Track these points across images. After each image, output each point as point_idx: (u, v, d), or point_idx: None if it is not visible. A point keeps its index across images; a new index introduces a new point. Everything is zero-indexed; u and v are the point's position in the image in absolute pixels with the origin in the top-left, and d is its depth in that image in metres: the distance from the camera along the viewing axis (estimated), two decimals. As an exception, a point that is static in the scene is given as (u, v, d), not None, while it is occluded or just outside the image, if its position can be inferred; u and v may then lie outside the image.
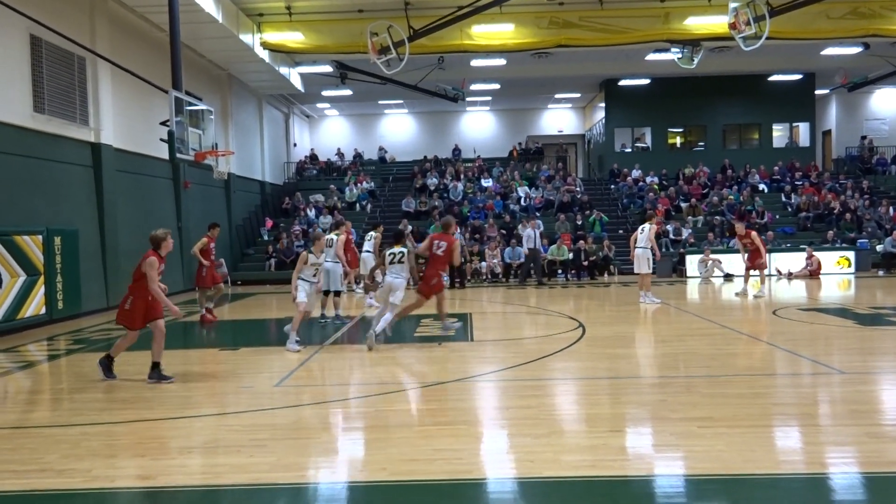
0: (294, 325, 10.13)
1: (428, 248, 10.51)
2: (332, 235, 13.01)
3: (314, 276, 10.28)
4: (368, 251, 15.64)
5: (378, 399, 7.19)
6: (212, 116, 15.24)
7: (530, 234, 20.75)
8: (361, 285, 17.41)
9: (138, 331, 8.07)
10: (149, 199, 18.48)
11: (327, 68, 25.07)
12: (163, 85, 14.34)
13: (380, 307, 10.60)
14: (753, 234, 15.98)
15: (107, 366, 8.29)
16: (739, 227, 16.34)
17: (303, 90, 27.13)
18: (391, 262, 10.22)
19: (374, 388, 7.78)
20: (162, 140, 13.36)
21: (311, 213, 26.27)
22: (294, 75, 25.48)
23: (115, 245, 16.45)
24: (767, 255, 16.68)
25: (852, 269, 21.88)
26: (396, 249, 10.32)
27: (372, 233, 15.74)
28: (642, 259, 14.62)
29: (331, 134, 36.44)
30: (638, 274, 15.06)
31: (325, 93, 29.74)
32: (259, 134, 27.85)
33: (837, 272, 21.72)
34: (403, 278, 10.18)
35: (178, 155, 13.20)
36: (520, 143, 34.38)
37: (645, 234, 14.60)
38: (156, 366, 8.04)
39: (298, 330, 10.17)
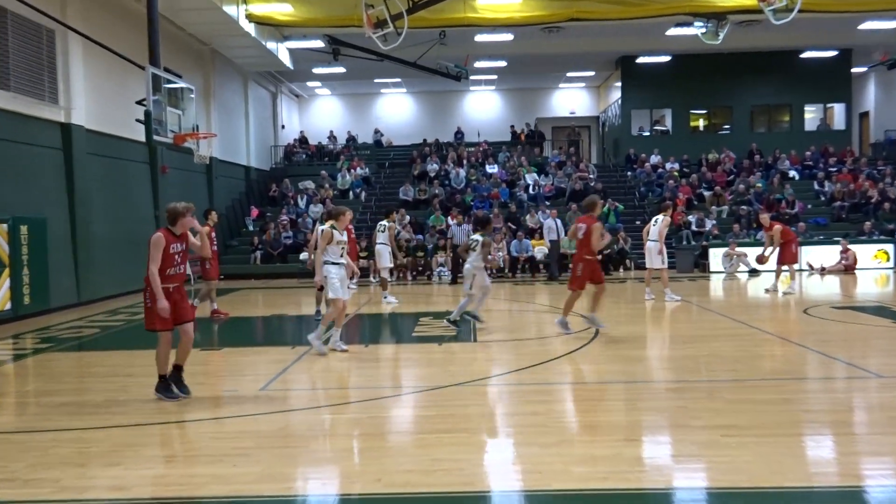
0: (337, 322, 9.70)
1: (574, 233, 10.73)
2: (326, 226, 12.93)
3: (341, 256, 9.74)
4: (383, 243, 15.48)
5: (372, 404, 7.18)
6: (192, 95, 15.20)
7: (551, 224, 20.70)
8: (378, 280, 17.40)
9: (170, 331, 7.18)
10: (123, 185, 18.48)
11: (319, 43, 25.00)
12: (139, 61, 14.30)
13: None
14: (777, 227, 15.96)
15: (166, 386, 7.32)
16: (764, 219, 16.34)
17: (292, 67, 27.08)
18: (471, 249, 11.12)
19: (368, 392, 7.78)
20: (138, 121, 13.34)
21: (301, 201, 26.25)
22: (282, 51, 25.42)
23: (86, 235, 16.45)
24: (798, 248, 16.66)
25: (891, 264, 21.85)
26: (475, 237, 11.16)
27: (384, 222, 15.58)
28: (653, 253, 14.57)
29: (322, 115, 36.40)
30: (648, 269, 15.02)
31: (317, 70, 29.68)
32: (244, 115, 27.82)
33: (875, 267, 21.67)
34: (481, 265, 10.97)
35: (156, 137, 13.19)
36: (527, 125, 34.30)
37: (658, 226, 14.53)
38: (162, 378, 7.34)
39: (325, 328, 9.87)
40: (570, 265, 10.76)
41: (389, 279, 16.73)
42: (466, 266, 11.18)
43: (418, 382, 8.25)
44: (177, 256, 7.12)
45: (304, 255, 21.76)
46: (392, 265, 15.82)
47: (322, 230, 9.68)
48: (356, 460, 5.59)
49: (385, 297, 15.56)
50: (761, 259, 16.61)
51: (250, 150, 28.30)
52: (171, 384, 7.29)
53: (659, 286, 14.90)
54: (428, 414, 6.81)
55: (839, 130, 31.04)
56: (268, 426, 6.40)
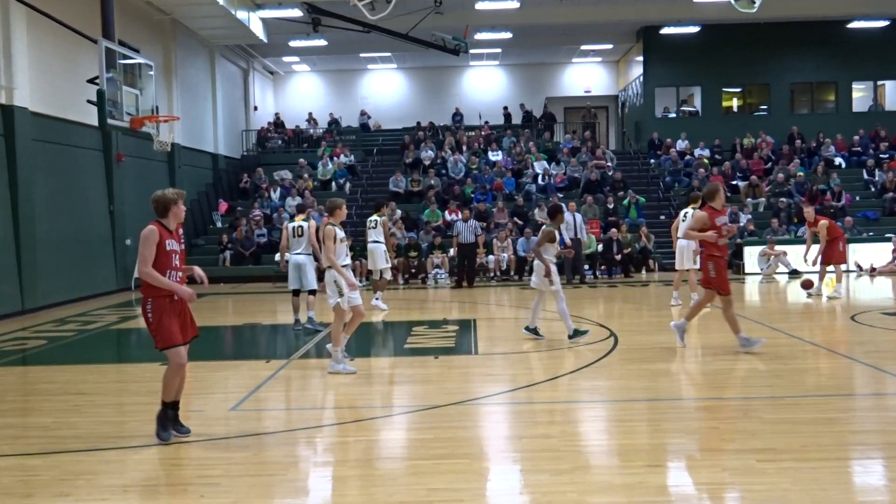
0: (347, 330, 9.59)
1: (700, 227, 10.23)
2: (302, 222, 12.95)
3: (346, 256, 9.67)
4: (377, 241, 15.37)
5: (359, 426, 7.19)
6: (151, 73, 15.21)
7: (569, 220, 20.69)
8: (369, 283, 17.37)
9: (183, 347, 6.74)
10: (73, 176, 18.47)
11: (296, 12, 24.98)
12: (91, 33, 14.30)
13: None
14: (823, 222, 15.94)
15: (162, 420, 6.73)
16: (809, 213, 16.31)
17: (266, 40, 27.07)
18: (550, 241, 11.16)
19: (353, 412, 7.79)
20: (90, 102, 13.34)
21: (276, 193, 26.26)
22: (255, 21, 25.41)
23: (31, 233, 16.45)
24: (846, 246, 16.67)
25: (951, 264, 21.86)
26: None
27: (375, 217, 15.55)
28: (686, 252, 14.55)
29: (300, 95, 36.40)
30: (679, 270, 15.03)
31: (294, 43, 29.67)
32: (211, 95, 27.82)
33: (932, 268, 21.70)
34: (552, 257, 11.09)
35: (110, 120, 13.20)
36: (544, 105, 34.22)
37: (689, 220, 14.48)
38: (166, 407, 6.76)
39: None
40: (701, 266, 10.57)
41: (389, 280, 16.66)
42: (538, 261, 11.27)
43: (411, 401, 8.27)
44: (175, 257, 6.65)
45: (279, 256, 21.77)
46: (389, 265, 15.77)
47: (325, 228, 9.39)
48: (340, 490, 5.60)
49: (375, 299, 15.52)
50: (807, 284, 16.21)
51: (218, 135, 28.29)
52: (169, 420, 6.73)
53: (687, 290, 14.89)
54: (423, 437, 6.82)
55: (892, 111, 31.09)
56: (239, 451, 6.41)
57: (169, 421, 6.71)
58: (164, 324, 6.54)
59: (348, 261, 9.66)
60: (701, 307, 10.59)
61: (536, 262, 11.29)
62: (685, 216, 14.56)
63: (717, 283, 10.06)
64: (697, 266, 14.70)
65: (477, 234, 20.66)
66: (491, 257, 21.57)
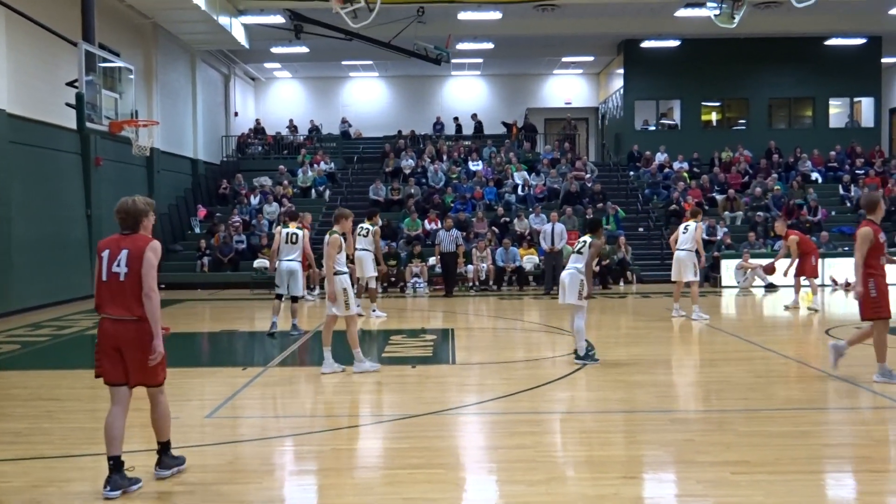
0: (327, 340, 9.89)
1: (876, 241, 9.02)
2: (296, 230, 13.06)
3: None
4: (366, 249, 15.33)
5: (335, 435, 7.18)
6: (131, 77, 15.14)
7: (547, 229, 20.76)
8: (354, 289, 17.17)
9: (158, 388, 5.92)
10: (51, 179, 18.32)
11: (278, 19, 24.95)
12: (71, 36, 14.22)
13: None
14: (793, 237, 16.17)
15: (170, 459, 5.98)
16: (780, 227, 16.55)
17: (247, 46, 27.00)
18: (576, 252, 10.39)
19: (330, 421, 7.77)
20: (69, 105, 13.25)
21: (255, 200, 26.17)
22: (237, 27, 25.35)
23: (6, 235, 16.29)
24: (819, 260, 16.94)
25: (923, 280, 22.12)
26: (584, 239, 10.39)
27: (367, 225, 15.49)
28: (685, 263, 14.65)
29: (281, 101, 36.30)
30: (675, 282, 15.13)
31: (276, 50, 29.62)
32: (191, 100, 27.69)
33: (905, 283, 21.96)
34: (578, 273, 10.15)
35: (89, 124, 13.11)
36: (527, 117, 34.32)
37: (690, 233, 14.66)
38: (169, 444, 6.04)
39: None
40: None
41: (378, 289, 16.68)
42: (565, 273, 10.43)
43: (388, 410, 8.26)
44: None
45: (259, 262, 21.70)
46: (376, 273, 15.76)
47: (331, 237, 9.80)
48: (315, 499, 5.59)
49: (374, 312, 15.53)
50: (769, 269, 16.75)
51: (198, 140, 28.15)
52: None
53: (688, 302, 14.99)
54: (399, 446, 6.82)
55: (867, 128, 31.47)
56: (214, 459, 6.38)
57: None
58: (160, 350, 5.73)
59: (346, 270, 9.97)
60: (867, 336, 9.37)
61: (572, 276, 10.22)
62: (685, 229, 14.77)
63: (875, 304, 8.98)
64: (697, 278, 14.89)
65: (458, 244, 20.73)
66: (470, 267, 21.60)
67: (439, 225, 23.89)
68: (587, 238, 10.36)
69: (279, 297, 13.13)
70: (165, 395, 5.96)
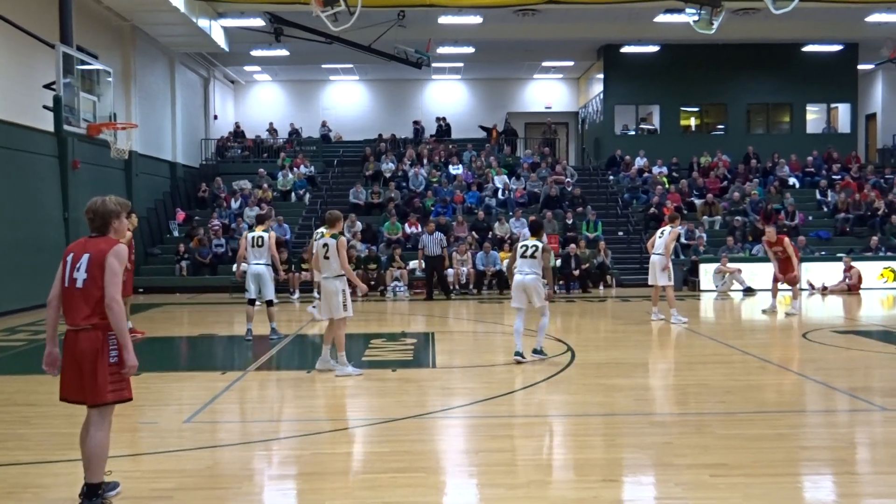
0: (327, 339, 10.17)
1: None
2: (262, 233, 13.01)
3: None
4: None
5: (315, 439, 7.16)
6: (110, 79, 15.06)
7: (525, 233, 20.81)
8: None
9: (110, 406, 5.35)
10: (27, 182, 18.16)
11: (258, 22, 24.87)
12: (48, 37, 14.12)
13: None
14: (787, 240, 16.31)
15: None
16: (771, 233, 16.56)
17: (227, 49, 26.90)
18: (522, 256, 10.68)
19: (310, 425, 7.75)
20: (46, 108, 13.17)
21: (235, 203, 26.06)
22: (216, 29, 25.25)
23: (-19, 240, 16.14)
24: (799, 264, 17.02)
25: (899, 284, 22.42)
26: (530, 242, 10.78)
27: (322, 229, 15.43)
28: (658, 267, 14.78)
29: (261, 104, 36.18)
30: (652, 286, 15.21)
31: (256, 53, 29.53)
32: (170, 103, 27.54)
33: (881, 287, 22.22)
34: (536, 276, 10.56)
35: (67, 127, 13.04)
36: (507, 121, 34.38)
37: (664, 238, 14.80)
38: (99, 488, 5.29)
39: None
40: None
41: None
42: (517, 277, 10.72)
43: (368, 414, 8.25)
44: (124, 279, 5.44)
45: (236, 267, 21.59)
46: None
47: (335, 241, 10.00)
48: (295, 504, 5.58)
49: (311, 311, 15.45)
50: (793, 280, 16.39)
51: (177, 143, 28.01)
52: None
53: (666, 306, 15.08)
54: (379, 450, 6.81)
55: (844, 134, 31.80)
56: (193, 464, 6.34)
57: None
58: (127, 367, 5.27)
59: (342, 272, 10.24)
60: None
61: (534, 280, 10.58)
62: (661, 233, 14.91)
63: None
64: (671, 282, 14.99)
65: (442, 247, 20.80)
66: (450, 270, 21.61)
67: (420, 229, 23.91)
68: (537, 242, 10.73)
69: (251, 302, 13.06)
70: (107, 425, 5.26)
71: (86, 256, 5.23)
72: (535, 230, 11.06)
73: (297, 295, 20.65)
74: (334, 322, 10.03)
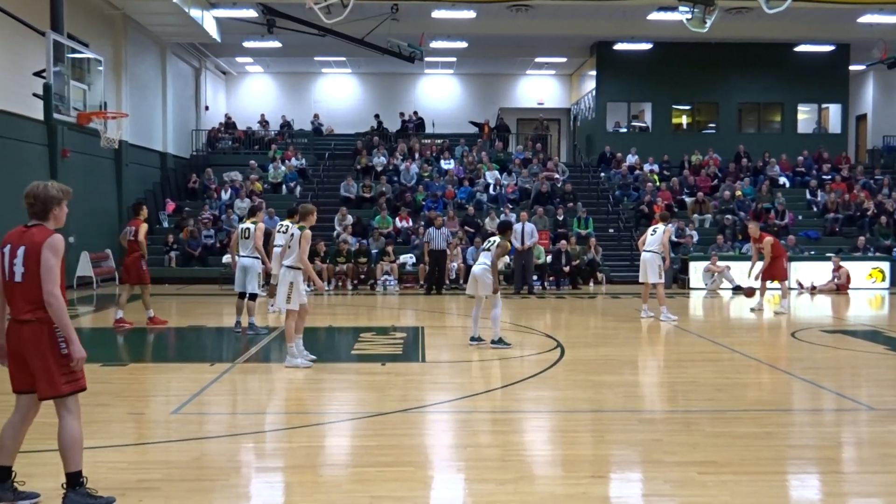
0: (298, 329, 10.23)
1: None
2: (249, 224, 12.96)
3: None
4: (280, 245, 15.06)
5: (303, 432, 7.14)
6: (100, 68, 14.97)
7: (517, 229, 20.74)
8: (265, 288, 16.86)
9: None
10: (16, 170, 18.04)
11: (251, 13, 24.76)
12: (38, 25, 14.01)
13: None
14: (768, 239, 16.34)
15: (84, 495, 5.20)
16: (753, 229, 16.66)
17: (219, 40, 26.77)
18: (483, 249, 11.62)
19: (298, 418, 7.73)
20: (36, 95, 13.08)
21: (225, 194, 25.96)
22: (208, 20, 25.13)
23: (-31, 228, 16.02)
24: (788, 263, 17.10)
25: (886, 284, 22.51)
26: (494, 238, 11.57)
27: (286, 223, 15.21)
28: (651, 265, 14.79)
29: (253, 96, 36.05)
30: (643, 283, 15.23)
31: (248, 44, 29.39)
32: (161, 92, 27.42)
33: (869, 287, 22.33)
34: (485, 267, 11.29)
35: (56, 115, 12.97)
36: (500, 117, 34.31)
37: (658, 235, 14.83)
38: (79, 477, 5.22)
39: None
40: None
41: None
42: (479, 269, 11.43)
43: (357, 408, 8.23)
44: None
45: (227, 258, 21.51)
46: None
47: (300, 233, 10.02)
48: (282, 496, 5.55)
49: (271, 308, 15.34)
50: (749, 293, 16.84)
51: (167, 133, 27.89)
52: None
53: (656, 303, 15.10)
54: (367, 444, 6.79)
55: (835, 134, 31.91)
56: (180, 455, 6.32)
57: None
58: (73, 358, 5.07)
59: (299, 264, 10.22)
60: None
61: (482, 272, 11.30)
62: (653, 231, 14.97)
63: None
64: (662, 280, 15.02)
65: (448, 241, 20.81)
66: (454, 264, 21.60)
67: (410, 223, 23.90)
68: (496, 238, 11.47)
69: (241, 295, 12.98)
70: (75, 414, 5.14)
71: (21, 249, 5.07)
72: (502, 229, 11.81)
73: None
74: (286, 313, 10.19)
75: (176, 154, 28.86)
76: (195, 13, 23.68)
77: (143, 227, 13.75)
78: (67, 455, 5.12)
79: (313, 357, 10.17)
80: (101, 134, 15.27)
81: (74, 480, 5.13)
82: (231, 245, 13.51)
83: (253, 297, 12.95)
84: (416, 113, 33.44)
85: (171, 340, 13.35)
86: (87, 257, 20.80)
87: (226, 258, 21.69)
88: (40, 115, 13.27)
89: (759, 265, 16.40)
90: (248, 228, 12.87)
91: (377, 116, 33.01)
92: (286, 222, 15.09)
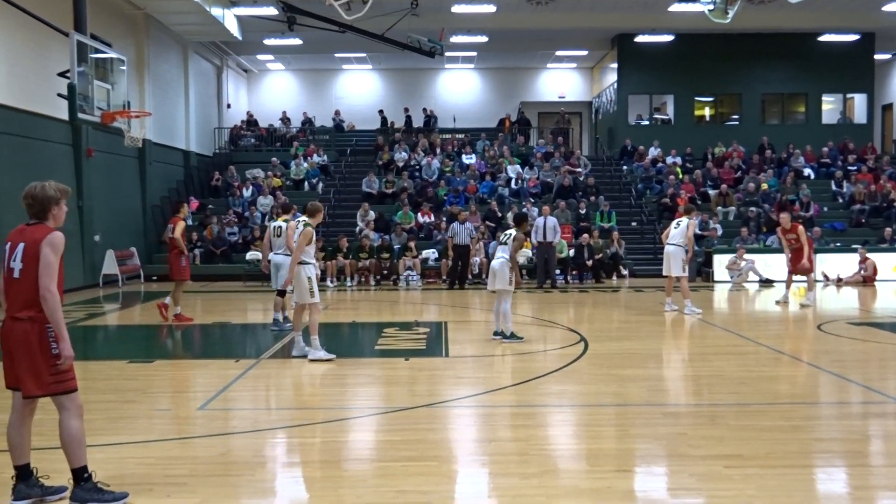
0: (315, 329, 10.20)
1: None
2: (281, 222, 12.99)
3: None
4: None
5: (327, 427, 7.17)
6: (123, 67, 15.08)
7: (539, 223, 20.72)
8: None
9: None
10: (42, 170, 18.21)
11: (272, 10, 24.85)
12: (62, 26, 14.14)
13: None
14: (801, 229, 16.17)
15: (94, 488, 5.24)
16: (785, 219, 16.39)
17: (240, 38, 26.92)
18: (500, 243, 11.73)
19: (322, 413, 7.76)
20: (60, 96, 13.21)
21: (248, 192, 26.10)
22: (230, 18, 25.26)
23: (-3, 227, 16.21)
24: (814, 255, 16.86)
25: (914, 275, 22.24)
26: (510, 231, 11.62)
27: (303, 218, 15.28)
28: (675, 258, 14.73)
29: (274, 93, 36.21)
30: (666, 277, 15.15)
31: (269, 41, 29.53)
32: (184, 91, 27.60)
33: (896, 279, 22.08)
34: (503, 260, 11.30)
35: (81, 115, 13.08)
36: (520, 111, 34.25)
37: (681, 229, 14.76)
38: (84, 472, 5.26)
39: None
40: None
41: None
42: (497, 262, 11.49)
43: (381, 403, 8.25)
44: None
45: (252, 255, 21.63)
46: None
47: (301, 229, 10.22)
48: (308, 491, 5.58)
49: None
50: (805, 270, 16.11)
51: (190, 132, 28.07)
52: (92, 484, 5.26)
53: (680, 296, 15.03)
54: (391, 439, 6.81)
55: (860, 124, 31.54)
56: (206, 451, 6.36)
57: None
58: (64, 357, 5.08)
59: (312, 259, 10.44)
60: None
61: (501, 265, 11.30)
62: (677, 224, 14.90)
63: None
64: (686, 273, 14.95)
65: (472, 236, 20.83)
66: (475, 259, 21.60)
67: (432, 218, 23.91)
68: (512, 231, 11.52)
69: (280, 293, 13.04)
70: (73, 411, 5.16)
71: (20, 246, 5.15)
72: (518, 221, 11.85)
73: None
74: (305, 307, 10.23)
75: (199, 152, 29.06)
76: (216, 12, 23.81)
77: (180, 225, 13.88)
78: (69, 451, 5.19)
79: (306, 350, 10.22)
80: (125, 133, 15.40)
81: (79, 476, 5.20)
82: (263, 243, 13.59)
83: (281, 293, 13.00)
84: (425, 109, 33.51)
85: (196, 337, 13.45)
86: (113, 255, 21.00)
87: (249, 255, 21.84)
88: (65, 115, 13.41)
89: (807, 252, 15.99)
90: (281, 226, 12.90)
91: (381, 112, 33.27)
92: (303, 217, 15.19)
